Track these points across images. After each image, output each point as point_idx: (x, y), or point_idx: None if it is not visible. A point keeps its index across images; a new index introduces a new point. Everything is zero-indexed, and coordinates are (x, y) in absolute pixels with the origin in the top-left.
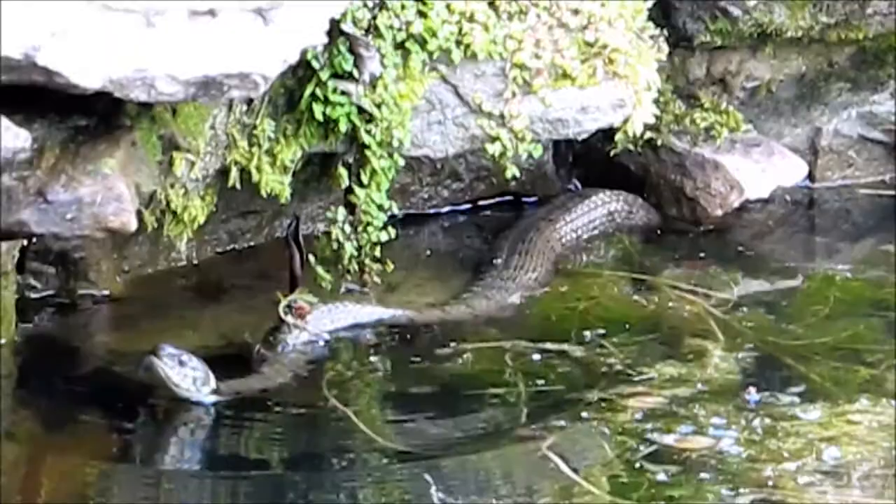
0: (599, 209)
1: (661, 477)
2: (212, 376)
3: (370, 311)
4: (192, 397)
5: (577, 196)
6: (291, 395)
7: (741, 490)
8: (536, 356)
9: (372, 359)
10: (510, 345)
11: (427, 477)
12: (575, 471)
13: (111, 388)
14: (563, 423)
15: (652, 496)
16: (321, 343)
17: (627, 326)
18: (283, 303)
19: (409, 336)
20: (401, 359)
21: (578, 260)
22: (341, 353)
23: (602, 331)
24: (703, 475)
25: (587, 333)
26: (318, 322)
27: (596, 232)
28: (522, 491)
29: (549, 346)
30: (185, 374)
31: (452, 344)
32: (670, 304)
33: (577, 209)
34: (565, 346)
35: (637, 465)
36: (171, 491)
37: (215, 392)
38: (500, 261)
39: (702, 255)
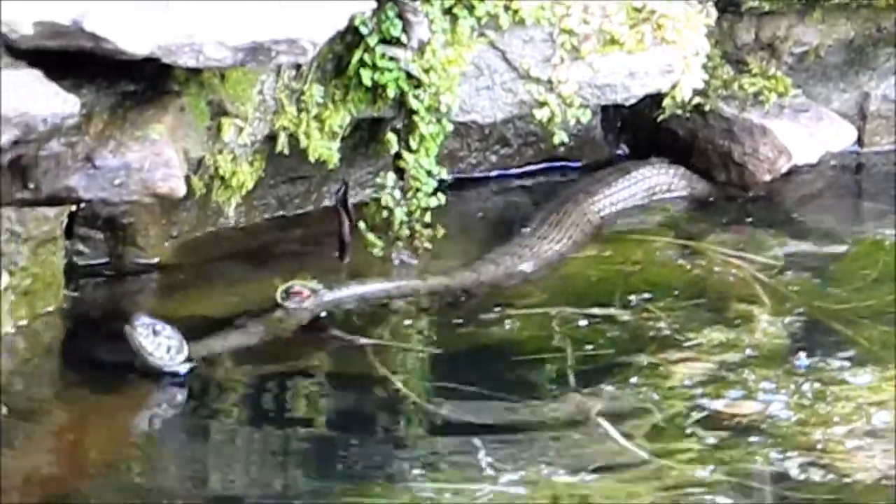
0: (640, 184)
1: (711, 441)
2: (185, 345)
3: (373, 286)
4: (164, 366)
5: (618, 170)
6: (335, 361)
7: (790, 454)
8: (583, 321)
9: (413, 324)
10: (556, 310)
11: (476, 442)
12: (625, 436)
13: None
14: (612, 388)
15: (702, 461)
16: (319, 314)
17: (675, 292)
18: (281, 288)
19: (450, 301)
20: (444, 324)
21: (621, 225)
22: (381, 321)
23: (648, 296)
24: (752, 439)
25: (633, 298)
26: (318, 299)
27: (635, 206)
28: (572, 457)
29: (595, 311)
30: (159, 343)
31: (497, 309)
32: (716, 269)
33: (618, 183)
34: (612, 311)
35: (687, 430)
36: (218, 453)
37: (189, 360)
38: (527, 229)
39: (749, 220)
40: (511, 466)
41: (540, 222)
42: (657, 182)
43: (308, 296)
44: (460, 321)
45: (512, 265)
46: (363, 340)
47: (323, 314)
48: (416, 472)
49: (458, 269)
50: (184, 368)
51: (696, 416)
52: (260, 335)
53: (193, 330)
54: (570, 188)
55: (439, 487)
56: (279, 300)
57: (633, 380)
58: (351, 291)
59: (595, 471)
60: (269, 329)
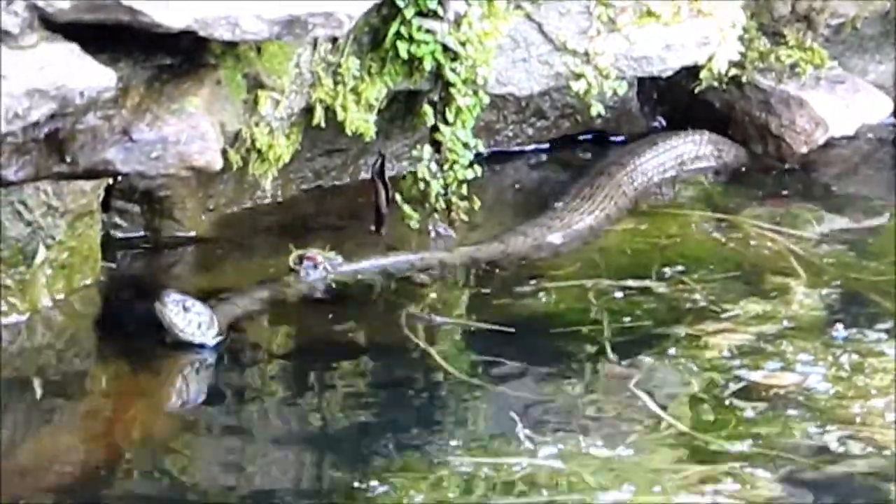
0: (668, 153)
1: (749, 413)
2: (216, 320)
3: (395, 258)
4: (195, 341)
5: (646, 142)
6: (371, 332)
7: (829, 427)
8: (619, 293)
9: (447, 296)
10: (592, 282)
11: (512, 415)
12: (662, 407)
13: None
14: (649, 359)
15: (739, 433)
16: (328, 284)
17: (710, 265)
18: (295, 253)
19: (482, 274)
20: (479, 296)
21: (657, 199)
22: (416, 292)
23: (684, 268)
24: (790, 412)
25: (669, 271)
26: (331, 267)
27: (667, 175)
28: (609, 428)
29: (631, 283)
30: (190, 319)
31: (532, 282)
32: (752, 242)
33: (646, 154)
34: (648, 283)
35: (725, 401)
36: (253, 427)
37: (220, 335)
38: (560, 203)
39: (785, 192)
40: (549, 440)
41: (572, 195)
42: (684, 150)
43: (321, 262)
44: (495, 293)
45: (540, 236)
46: (438, 319)
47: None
48: (454, 445)
49: (485, 240)
50: (214, 341)
51: (733, 387)
52: (263, 300)
53: None
54: (601, 161)
55: (477, 461)
56: (291, 265)
57: (671, 351)
58: (371, 262)
59: (633, 444)
60: (273, 293)
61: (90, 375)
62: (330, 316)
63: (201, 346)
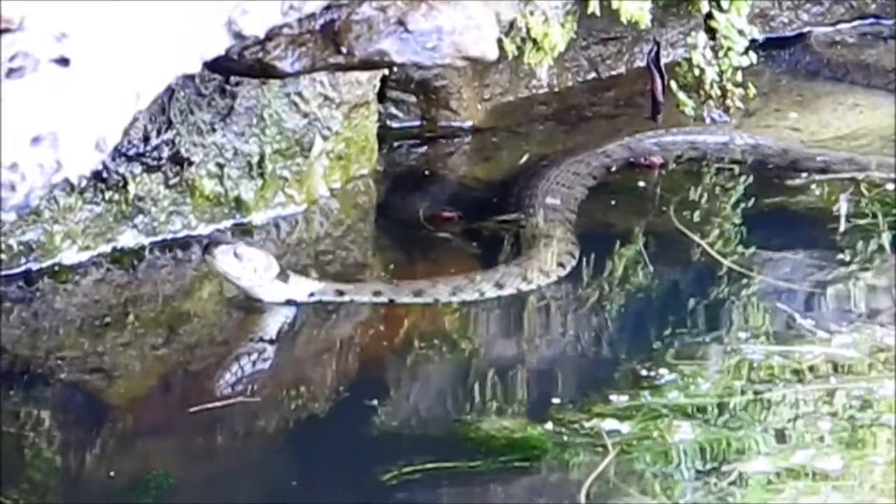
0: None
1: None
2: (273, 261)
3: None
4: (256, 287)
5: None
6: (640, 221)
7: None
8: (891, 186)
9: (707, 193)
10: (863, 175)
11: (796, 305)
12: None
13: (470, 214)
14: None
15: None
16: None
17: None
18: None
19: (752, 169)
20: (746, 193)
21: None
22: (690, 183)
23: None
24: None
25: None
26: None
27: None
28: (889, 320)
29: None
30: (244, 266)
31: (804, 175)
32: None
33: None
34: None
35: None
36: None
37: (281, 276)
38: None
39: None
40: (839, 329)
41: None
42: None
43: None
44: (766, 187)
45: None
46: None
47: None
48: (742, 335)
49: None
50: (276, 285)
51: None
52: None
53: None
54: None
55: (768, 350)
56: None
57: None
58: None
59: None
60: None
61: (368, 265)
62: (613, 202)
63: (289, 302)
